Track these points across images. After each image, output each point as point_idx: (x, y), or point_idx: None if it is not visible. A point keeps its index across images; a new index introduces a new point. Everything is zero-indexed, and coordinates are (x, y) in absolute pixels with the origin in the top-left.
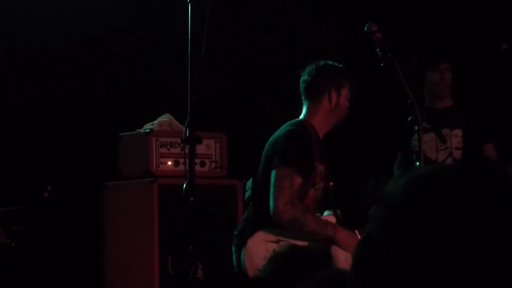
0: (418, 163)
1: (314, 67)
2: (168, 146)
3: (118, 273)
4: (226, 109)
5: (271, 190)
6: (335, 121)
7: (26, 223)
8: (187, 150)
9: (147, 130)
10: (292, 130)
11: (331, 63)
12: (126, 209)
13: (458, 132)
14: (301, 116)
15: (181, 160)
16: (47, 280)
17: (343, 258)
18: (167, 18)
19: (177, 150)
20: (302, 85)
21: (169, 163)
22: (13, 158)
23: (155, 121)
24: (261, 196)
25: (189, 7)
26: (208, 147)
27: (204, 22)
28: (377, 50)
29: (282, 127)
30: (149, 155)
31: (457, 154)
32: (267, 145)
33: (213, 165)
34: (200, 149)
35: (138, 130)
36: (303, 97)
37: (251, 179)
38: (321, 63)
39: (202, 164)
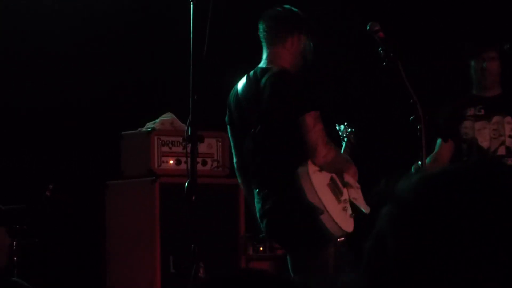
0: (467, 155)
1: (276, 12)
2: (170, 145)
3: (120, 272)
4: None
5: (308, 135)
6: (298, 67)
7: (29, 222)
8: (189, 149)
9: (149, 129)
10: (290, 75)
11: (288, 7)
12: (128, 208)
13: (510, 119)
14: (264, 63)
15: (183, 159)
16: (49, 279)
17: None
18: (169, 17)
19: (179, 149)
20: (265, 31)
21: (171, 162)
22: (15, 157)
23: (157, 120)
24: (281, 142)
25: (191, 6)
26: (210, 146)
27: (206, 21)
28: (380, 49)
29: (265, 78)
30: (151, 154)
31: (509, 142)
32: (250, 97)
33: (215, 164)
34: (202, 148)
35: (140, 129)
36: (265, 43)
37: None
38: (279, 9)
39: (204, 163)
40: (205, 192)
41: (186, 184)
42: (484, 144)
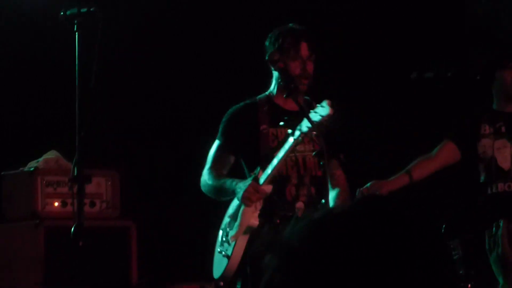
0: (485, 176)
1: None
2: (55, 186)
3: None
4: (118, 145)
5: None
6: (283, 86)
7: None
8: (75, 190)
9: (32, 169)
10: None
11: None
12: (10, 254)
13: None
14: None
15: (69, 201)
16: None
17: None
18: (53, 48)
19: (65, 189)
20: None
21: (56, 204)
22: None
23: (40, 159)
24: None
25: (76, 36)
26: (99, 185)
27: (93, 52)
28: (279, 81)
29: None
30: (34, 195)
31: None
32: None
33: (104, 205)
34: (90, 188)
35: (21, 168)
36: None
37: None
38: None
39: (92, 204)
40: (94, 236)
41: (73, 228)
42: (504, 165)
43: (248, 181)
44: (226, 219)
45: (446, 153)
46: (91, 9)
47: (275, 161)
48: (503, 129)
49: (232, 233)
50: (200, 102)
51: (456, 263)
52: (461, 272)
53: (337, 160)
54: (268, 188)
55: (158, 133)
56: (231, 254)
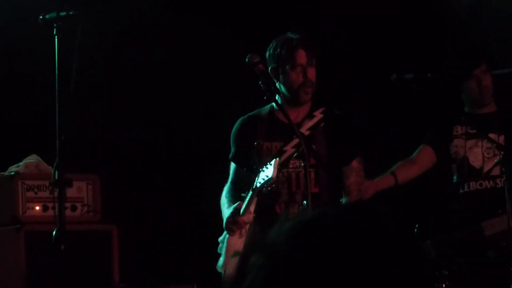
0: (457, 175)
1: None
2: (36, 190)
3: None
4: (99, 148)
5: None
6: (288, 96)
7: None
8: (56, 194)
9: (12, 173)
10: None
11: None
12: None
13: (502, 138)
14: None
15: (50, 205)
16: None
17: None
18: (33, 52)
19: (46, 193)
20: None
21: (37, 208)
22: None
23: (21, 163)
24: None
25: (56, 40)
26: (80, 189)
27: (73, 57)
28: (260, 82)
29: None
30: (15, 200)
31: None
32: None
33: (85, 209)
34: (71, 192)
35: (2, 173)
36: None
37: None
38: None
39: (73, 208)
40: (76, 240)
41: (54, 232)
42: (476, 164)
43: (231, 209)
44: (220, 244)
45: (425, 157)
46: (71, 13)
47: (246, 200)
48: (474, 129)
49: (221, 260)
50: (180, 105)
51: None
52: (435, 273)
53: (349, 167)
54: (248, 218)
55: (139, 136)
56: (223, 279)
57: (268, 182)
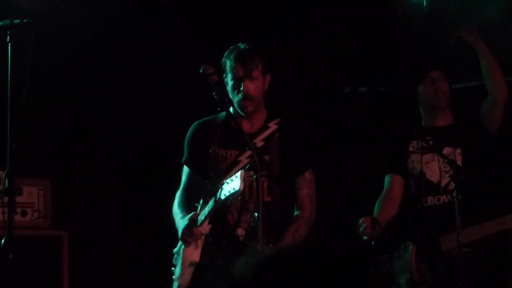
0: (415, 190)
1: None
2: None
3: None
4: (50, 154)
5: None
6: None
7: None
8: (5, 201)
9: None
10: None
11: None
12: None
13: (458, 151)
14: None
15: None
16: None
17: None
18: None
19: None
20: None
21: None
22: None
23: None
24: None
25: (9, 48)
26: (30, 195)
27: (26, 62)
28: (213, 94)
29: None
30: None
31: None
32: None
33: (36, 214)
34: (22, 197)
35: None
36: None
37: None
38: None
39: (24, 213)
40: (26, 245)
41: (3, 240)
42: (434, 178)
43: (186, 220)
44: (175, 255)
45: (398, 188)
46: (24, 21)
47: (206, 210)
48: (430, 143)
49: (177, 271)
50: (132, 110)
51: (386, 278)
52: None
53: (302, 178)
54: (205, 229)
55: (90, 142)
56: None
57: (234, 194)
